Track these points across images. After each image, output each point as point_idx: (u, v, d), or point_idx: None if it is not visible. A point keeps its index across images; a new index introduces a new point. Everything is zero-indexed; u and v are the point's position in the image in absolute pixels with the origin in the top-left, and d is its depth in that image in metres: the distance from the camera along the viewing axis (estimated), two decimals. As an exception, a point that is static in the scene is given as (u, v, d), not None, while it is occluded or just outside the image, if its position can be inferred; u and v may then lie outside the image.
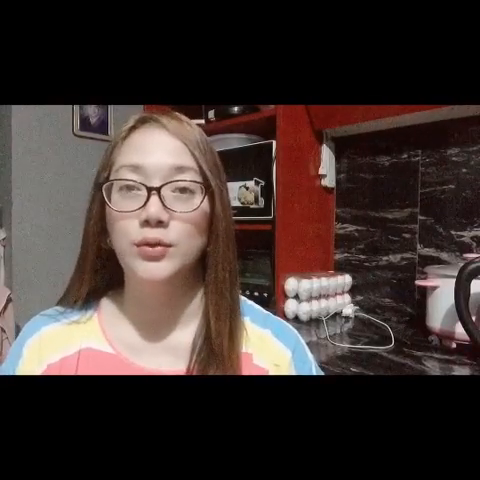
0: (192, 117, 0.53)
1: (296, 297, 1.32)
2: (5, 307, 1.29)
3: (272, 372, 0.52)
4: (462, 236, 1.25)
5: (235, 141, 1.52)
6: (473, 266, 0.90)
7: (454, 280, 0.92)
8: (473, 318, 0.91)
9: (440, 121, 1.26)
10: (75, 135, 1.62)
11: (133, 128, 0.50)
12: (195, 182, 0.48)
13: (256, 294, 1.43)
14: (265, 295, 1.41)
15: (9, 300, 1.32)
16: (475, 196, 1.22)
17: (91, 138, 1.65)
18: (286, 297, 1.34)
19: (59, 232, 1.56)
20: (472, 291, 0.91)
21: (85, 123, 1.64)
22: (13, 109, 1.45)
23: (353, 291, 1.49)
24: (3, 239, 1.48)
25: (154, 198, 0.45)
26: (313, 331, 1.23)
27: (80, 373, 0.50)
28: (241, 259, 1.52)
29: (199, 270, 0.53)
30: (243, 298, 0.56)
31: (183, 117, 0.51)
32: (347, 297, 1.46)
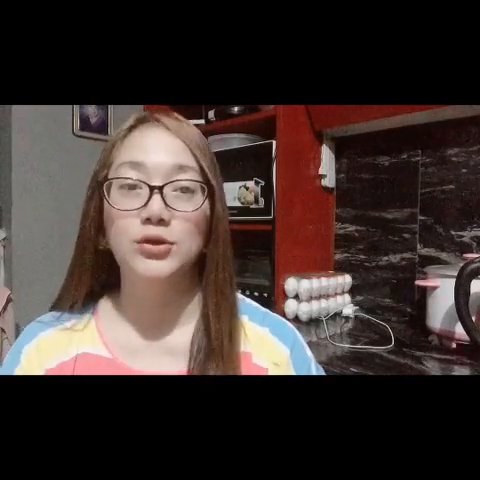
0: (192, 117, 0.53)
1: (296, 297, 1.32)
2: (5, 307, 1.29)
3: (271, 371, 0.52)
4: (462, 236, 1.24)
5: (235, 141, 1.52)
6: (473, 266, 0.90)
7: (454, 280, 0.92)
8: (473, 318, 0.91)
9: (440, 121, 1.26)
10: (75, 135, 1.62)
11: (133, 127, 0.49)
12: (197, 181, 0.48)
13: (256, 294, 1.43)
14: (265, 295, 1.41)
15: (9, 300, 1.32)
16: (475, 196, 1.22)
17: (91, 138, 1.65)
18: (286, 297, 1.34)
19: (59, 232, 1.56)
20: (472, 291, 0.91)
21: (85, 123, 1.64)
22: (13, 109, 1.45)
23: (353, 291, 1.49)
24: (3, 239, 1.48)
25: (156, 196, 0.45)
26: (313, 331, 1.22)
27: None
28: (241, 259, 1.52)
29: (195, 270, 0.53)
30: (241, 296, 0.56)
31: (181, 117, 0.51)
32: (347, 297, 1.46)
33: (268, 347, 0.53)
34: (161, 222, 0.45)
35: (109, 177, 0.48)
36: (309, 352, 0.57)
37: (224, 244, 0.50)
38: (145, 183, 0.46)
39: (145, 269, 0.46)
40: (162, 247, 0.46)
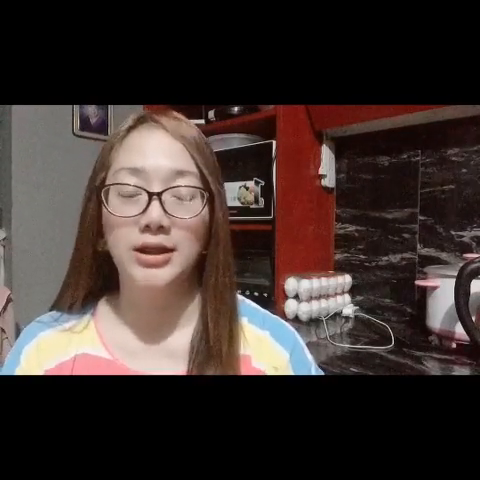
0: (192, 117, 0.53)
1: (296, 297, 1.32)
2: (5, 307, 1.29)
3: (271, 374, 0.51)
4: (462, 236, 1.24)
5: (235, 141, 1.52)
6: (473, 266, 0.90)
7: (454, 280, 0.92)
8: (473, 318, 0.91)
9: (440, 121, 1.26)
10: (75, 135, 1.62)
11: (131, 128, 0.49)
12: (196, 188, 0.47)
13: (256, 294, 1.43)
14: (265, 295, 1.41)
15: (9, 300, 1.32)
16: (475, 196, 1.22)
17: (91, 138, 1.65)
18: (286, 297, 1.34)
19: (59, 232, 1.56)
20: (472, 291, 0.91)
21: (85, 123, 1.64)
22: (13, 109, 1.45)
23: (353, 291, 1.49)
24: (3, 239, 1.48)
25: (155, 203, 0.45)
26: (313, 331, 1.22)
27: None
28: (241, 259, 1.52)
29: (195, 272, 0.52)
30: (241, 298, 0.56)
31: (182, 117, 0.51)
32: (347, 297, 1.46)
33: (268, 350, 0.52)
34: (160, 229, 0.45)
35: (107, 181, 0.48)
36: (310, 355, 0.56)
37: (225, 250, 0.50)
38: (144, 189, 0.45)
39: (143, 277, 0.46)
40: (160, 257, 0.45)
